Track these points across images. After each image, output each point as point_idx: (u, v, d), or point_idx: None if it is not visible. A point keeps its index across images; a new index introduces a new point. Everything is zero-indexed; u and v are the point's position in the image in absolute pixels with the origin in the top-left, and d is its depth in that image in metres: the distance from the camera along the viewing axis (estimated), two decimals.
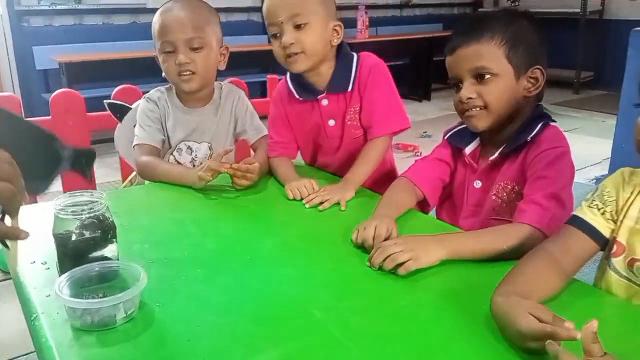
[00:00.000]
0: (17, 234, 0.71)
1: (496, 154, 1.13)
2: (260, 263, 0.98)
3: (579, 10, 6.10)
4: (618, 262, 0.89)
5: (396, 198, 1.17)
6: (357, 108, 1.41)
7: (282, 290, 0.88)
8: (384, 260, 0.91)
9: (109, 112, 2.15)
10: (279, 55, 1.35)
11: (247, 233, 1.12)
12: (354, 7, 6.15)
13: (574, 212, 0.92)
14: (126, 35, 5.01)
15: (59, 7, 4.72)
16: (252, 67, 5.44)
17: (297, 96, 1.43)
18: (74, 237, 0.86)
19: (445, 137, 1.25)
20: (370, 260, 0.94)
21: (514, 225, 1.00)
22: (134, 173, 1.83)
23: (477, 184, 1.18)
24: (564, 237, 0.89)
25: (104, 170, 3.41)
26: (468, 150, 1.19)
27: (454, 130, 1.25)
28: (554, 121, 1.12)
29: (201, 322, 0.80)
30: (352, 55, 1.42)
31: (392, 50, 5.84)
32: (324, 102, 1.42)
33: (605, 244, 0.90)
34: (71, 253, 0.86)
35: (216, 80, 1.61)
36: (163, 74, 1.52)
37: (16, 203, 0.69)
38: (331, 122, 1.44)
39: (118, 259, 0.90)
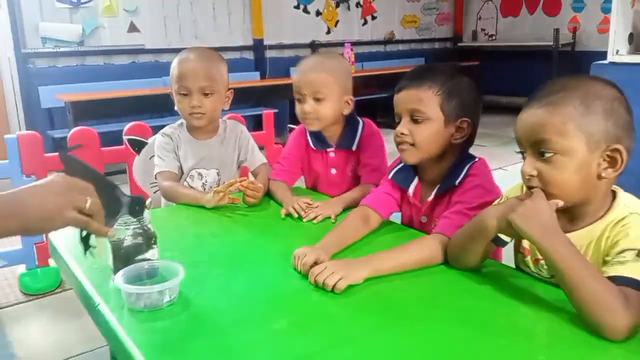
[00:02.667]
0: (105, 232, 0.96)
1: (432, 196, 1.36)
2: (269, 264, 1.24)
3: (551, 43, 6.50)
4: (527, 261, 1.14)
5: (345, 231, 1.32)
6: (355, 164, 1.71)
7: (287, 281, 1.14)
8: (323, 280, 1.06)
9: (120, 146, 2.41)
10: (299, 116, 1.69)
11: (257, 241, 1.39)
12: (341, 44, 6.53)
13: None
14: (126, 74, 5.31)
15: (62, 49, 5.02)
16: (244, 102, 5.74)
17: (311, 145, 1.74)
18: (125, 244, 1.11)
19: (390, 177, 1.43)
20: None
21: (425, 238, 1.23)
22: (149, 199, 2.08)
23: (424, 219, 1.41)
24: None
25: None
26: (411, 191, 1.40)
27: (395, 170, 1.43)
28: (478, 159, 1.33)
29: (226, 303, 1.05)
30: (359, 122, 1.73)
31: (377, 84, 6.18)
32: (332, 154, 1.75)
33: (498, 240, 1.11)
34: (123, 255, 1.11)
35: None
36: (175, 107, 1.79)
37: (94, 229, 0.94)
38: (333, 171, 1.75)
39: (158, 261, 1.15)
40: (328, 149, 1.74)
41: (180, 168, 1.83)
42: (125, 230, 1.11)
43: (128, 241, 1.11)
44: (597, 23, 6.68)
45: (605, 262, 0.99)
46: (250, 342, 0.92)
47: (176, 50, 6.10)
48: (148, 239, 1.13)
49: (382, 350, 0.89)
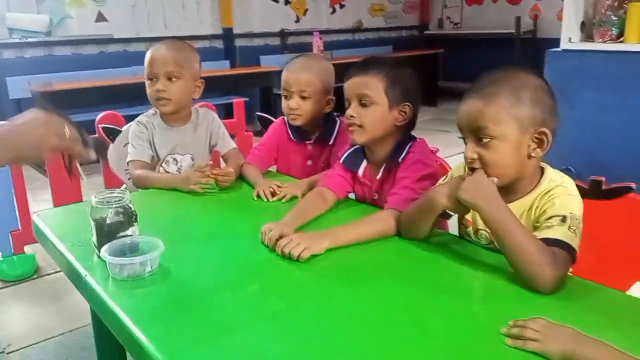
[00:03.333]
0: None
1: (380, 174, 1.51)
2: (240, 239, 1.36)
3: (513, 30, 6.72)
4: (469, 231, 1.29)
5: (305, 208, 1.46)
6: (329, 156, 1.86)
7: (257, 253, 1.26)
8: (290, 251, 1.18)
9: (93, 135, 2.47)
10: (285, 111, 1.83)
11: (228, 220, 1.51)
12: (310, 33, 6.62)
13: None
14: (95, 64, 5.31)
15: (29, 39, 4.99)
16: (214, 91, 5.79)
17: (291, 137, 1.89)
18: (108, 221, 1.21)
19: (341, 161, 1.57)
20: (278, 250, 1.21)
21: (379, 213, 1.37)
22: (123, 186, 2.17)
23: (375, 196, 1.56)
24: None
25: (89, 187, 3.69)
26: (360, 172, 1.55)
27: (346, 154, 1.57)
28: (417, 138, 1.49)
29: (203, 272, 1.17)
30: (336, 120, 1.87)
31: (345, 72, 6.29)
32: (310, 147, 1.89)
33: (444, 213, 1.24)
34: (106, 232, 1.21)
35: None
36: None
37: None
38: (309, 162, 1.90)
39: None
40: (307, 142, 1.89)
41: (157, 155, 1.92)
42: (107, 209, 1.22)
43: (110, 219, 1.22)
44: (557, 11, 6.90)
45: (535, 228, 1.14)
46: (227, 303, 1.04)
47: (145, 40, 6.15)
48: (129, 217, 1.24)
49: (341, 307, 1.03)
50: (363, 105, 1.45)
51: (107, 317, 1.07)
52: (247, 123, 3.42)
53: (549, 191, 1.15)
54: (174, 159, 1.94)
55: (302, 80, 1.77)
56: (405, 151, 1.47)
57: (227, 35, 6.31)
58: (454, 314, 0.99)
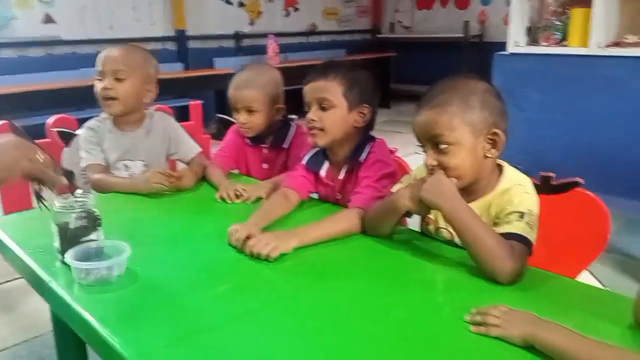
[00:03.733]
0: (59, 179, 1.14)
1: (342, 174, 1.55)
2: (207, 240, 1.36)
3: (462, 34, 6.94)
4: (430, 228, 1.35)
5: (270, 208, 1.47)
6: (285, 160, 1.90)
7: (225, 254, 1.26)
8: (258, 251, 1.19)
9: (45, 139, 2.40)
10: (238, 123, 1.88)
11: (193, 222, 1.51)
12: (264, 36, 6.62)
13: None
14: (42, 67, 5.13)
15: None
16: (168, 93, 5.70)
17: (248, 142, 1.93)
18: (71, 226, 1.19)
19: (303, 162, 1.60)
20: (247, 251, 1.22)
21: (344, 211, 1.40)
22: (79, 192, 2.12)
23: (338, 195, 1.59)
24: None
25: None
26: (323, 173, 1.58)
27: (308, 156, 1.60)
28: (377, 139, 1.53)
29: (171, 275, 1.17)
30: (291, 125, 1.92)
31: (301, 75, 6.31)
32: (265, 150, 1.93)
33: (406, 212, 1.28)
34: (70, 237, 1.19)
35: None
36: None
37: (48, 178, 1.11)
38: (265, 165, 1.93)
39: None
40: (262, 146, 1.93)
41: (106, 160, 1.87)
42: (70, 213, 1.20)
43: (74, 224, 1.20)
44: (502, 16, 7.16)
45: (495, 224, 1.20)
46: (199, 304, 1.05)
47: (94, 42, 5.99)
48: (93, 222, 1.22)
49: (311, 304, 1.05)
50: (323, 108, 1.47)
51: (75, 323, 1.06)
52: (204, 126, 3.39)
53: (507, 190, 1.22)
54: (125, 165, 1.89)
55: (246, 98, 1.83)
56: (366, 151, 1.51)
57: (180, 37, 6.23)
58: (419, 305, 1.03)
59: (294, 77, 1.97)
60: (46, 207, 1.16)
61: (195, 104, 3.15)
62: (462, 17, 7.30)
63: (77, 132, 2.18)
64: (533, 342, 0.86)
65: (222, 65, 6.34)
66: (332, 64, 1.54)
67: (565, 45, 3.66)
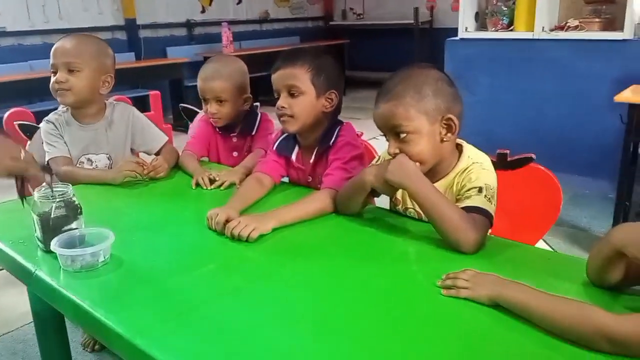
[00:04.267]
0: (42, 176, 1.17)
1: (313, 158, 1.61)
2: (187, 225, 1.40)
3: (412, 21, 7.08)
4: (399, 208, 1.44)
5: (245, 192, 1.53)
6: (252, 145, 1.96)
7: (206, 237, 1.31)
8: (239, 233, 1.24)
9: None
10: (206, 114, 1.94)
11: (171, 208, 1.55)
12: (217, 23, 6.57)
13: None
14: None
15: None
16: (120, 84, 5.57)
17: (218, 131, 1.99)
18: (52, 215, 1.21)
19: (274, 148, 1.66)
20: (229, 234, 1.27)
21: (317, 192, 1.47)
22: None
23: (310, 178, 1.66)
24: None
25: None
26: (294, 157, 1.64)
27: (278, 141, 1.65)
28: (345, 123, 1.60)
29: (155, 258, 1.21)
30: (257, 114, 1.98)
31: (256, 63, 6.30)
32: (234, 139, 1.99)
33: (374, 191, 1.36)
34: (52, 227, 1.21)
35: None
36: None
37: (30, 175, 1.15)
38: (235, 154, 1.99)
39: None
40: (232, 134, 1.99)
41: (69, 154, 1.83)
42: (51, 203, 1.21)
43: (54, 213, 1.21)
44: (450, 2, 7.37)
45: (457, 200, 1.29)
46: (185, 284, 1.09)
47: (41, 33, 5.82)
48: (73, 210, 1.24)
49: (291, 279, 1.12)
50: (292, 95, 1.52)
51: (66, 308, 1.08)
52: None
53: (466, 168, 1.31)
54: (89, 159, 1.86)
55: (215, 89, 1.88)
56: (334, 135, 1.57)
57: (131, 26, 6.10)
58: (394, 275, 1.12)
59: (250, 65, 2.02)
60: (29, 203, 1.17)
61: (154, 94, 3.14)
62: (411, 3, 7.43)
63: (40, 125, 2.15)
64: (498, 300, 0.95)
65: (175, 54, 6.26)
66: (298, 52, 1.59)
67: (512, 30, 3.83)
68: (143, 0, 6.17)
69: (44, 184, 1.24)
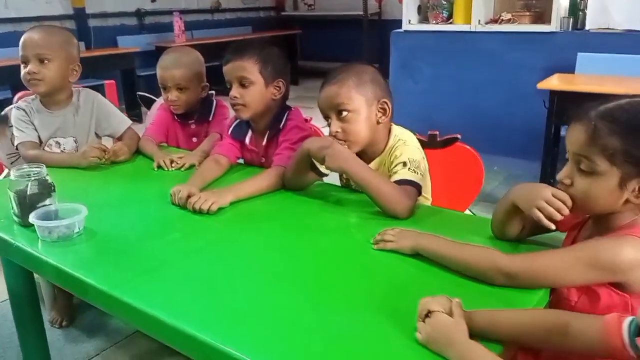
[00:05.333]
0: None
1: (265, 141, 1.76)
2: (151, 202, 1.55)
3: (361, 12, 7.28)
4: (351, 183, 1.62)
5: (204, 171, 1.68)
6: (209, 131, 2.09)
7: (169, 211, 1.46)
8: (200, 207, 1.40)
9: None
10: (166, 102, 2.07)
11: (135, 188, 1.69)
12: (167, 12, 6.58)
13: None
14: None
15: None
16: None
17: (176, 119, 2.12)
18: (29, 192, 1.33)
19: (229, 132, 1.80)
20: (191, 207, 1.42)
21: (269, 170, 1.62)
22: (5, 171, 2.19)
23: (262, 160, 1.82)
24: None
25: None
26: (247, 140, 1.79)
27: (232, 127, 1.80)
28: (293, 108, 1.76)
29: (125, 229, 1.36)
30: (213, 101, 2.12)
31: (208, 52, 6.35)
32: (192, 126, 2.12)
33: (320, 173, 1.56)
34: (28, 203, 1.33)
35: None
36: None
37: None
38: (194, 139, 2.12)
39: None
40: (190, 122, 2.13)
41: (39, 138, 1.96)
42: (27, 181, 1.34)
43: (30, 190, 1.34)
44: None
45: (389, 176, 1.49)
46: (153, 247, 1.25)
47: None
48: (47, 188, 1.37)
49: (247, 241, 1.30)
50: (243, 86, 1.67)
51: (46, 271, 1.22)
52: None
53: (392, 147, 1.51)
54: (57, 142, 1.98)
55: (176, 76, 2.00)
56: (284, 119, 1.74)
57: (80, 15, 6.04)
58: (335, 236, 1.31)
59: (202, 54, 2.16)
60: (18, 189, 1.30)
61: (110, 83, 3.23)
62: None
63: (2, 112, 2.23)
64: (418, 249, 1.15)
65: (126, 44, 6.24)
66: (246, 44, 1.73)
67: (451, 23, 4.09)
68: None
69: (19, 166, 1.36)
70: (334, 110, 1.46)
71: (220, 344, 0.88)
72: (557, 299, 1.06)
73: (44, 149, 1.96)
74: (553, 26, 3.68)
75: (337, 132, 1.46)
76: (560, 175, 1.06)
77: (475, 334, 0.88)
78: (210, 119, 2.11)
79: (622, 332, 0.80)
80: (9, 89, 4.68)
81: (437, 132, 1.80)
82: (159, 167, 1.82)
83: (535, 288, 1.02)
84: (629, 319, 0.81)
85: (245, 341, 0.89)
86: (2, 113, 2.17)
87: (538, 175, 3.30)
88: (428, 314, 0.90)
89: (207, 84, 2.09)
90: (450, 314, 0.90)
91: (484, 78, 3.94)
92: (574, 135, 1.02)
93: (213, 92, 2.20)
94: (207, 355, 0.90)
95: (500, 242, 1.22)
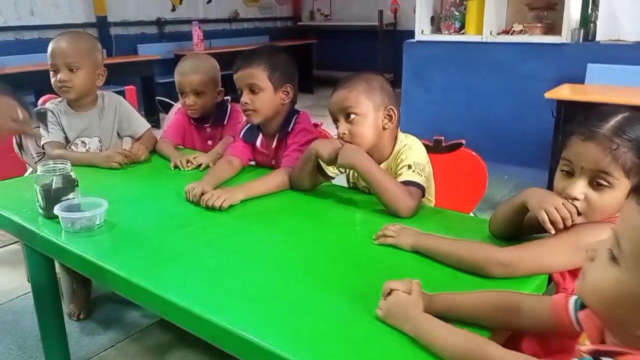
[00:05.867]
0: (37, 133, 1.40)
1: (275, 144, 1.85)
2: (168, 198, 1.63)
3: (377, 23, 7.38)
4: (358, 185, 1.69)
5: (218, 171, 1.76)
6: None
7: (185, 207, 1.54)
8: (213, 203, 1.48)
9: None
10: (183, 106, 2.18)
11: (153, 185, 1.79)
12: (187, 22, 6.73)
13: None
14: None
15: None
16: None
17: (192, 122, 2.21)
18: (54, 186, 1.43)
19: (241, 136, 1.89)
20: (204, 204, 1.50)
21: (277, 170, 1.70)
22: (29, 170, 2.30)
23: (273, 162, 1.90)
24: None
25: None
26: (258, 143, 1.87)
27: (244, 130, 1.89)
28: (301, 111, 1.84)
29: (143, 222, 1.45)
30: (228, 106, 2.21)
31: (225, 61, 6.49)
32: (208, 129, 2.22)
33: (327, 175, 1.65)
34: (53, 197, 1.43)
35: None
36: None
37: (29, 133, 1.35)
38: (209, 142, 2.21)
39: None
40: (205, 125, 2.22)
41: (66, 138, 2.08)
42: (52, 176, 1.43)
43: (55, 185, 1.43)
44: (413, 5, 7.66)
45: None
46: (170, 239, 1.34)
47: (12, 29, 5.93)
48: (71, 183, 1.46)
49: (256, 235, 1.38)
50: (253, 92, 1.76)
51: (68, 259, 1.31)
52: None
53: (398, 152, 1.58)
54: (83, 142, 2.10)
55: (193, 82, 2.10)
56: (292, 123, 1.82)
57: (102, 23, 6.22)
58: (340, 232, 1.38)
59: (220, 63, 2.26)
60: (25, 153, 1.38)
61: (130, 89, 3.34)
62: (376, 6, 7.74)
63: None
64: (416, 247, 1.22)
65: (146, 52, 6.40)
66: (254, 53, 1.82)
67: (463, 33, 4.16)
68: None
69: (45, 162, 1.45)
70: (342, 113, 1.54)
71: (232, 326, 0.95)
72: (555, 289, 1.12)
73: (70, 148, 2.07)
74: (564, 37, 3.73)
75: (344, 133, 1.54)
76: (574, 192, 1.07)
77: (437, 316, 0.93)
78: (225, 122, 2.20)
79: (569, 310, 0.87)
80: (33, 94, 4.85)
81: (443, 138, 1.87)
82: (176, 166, 1.91)
83: (530, 274, 1.08)
84: (574, 297, 0.88)
85: (255, 323, 0.96)
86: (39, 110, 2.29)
87: (546, 184, 3.32)
88: (390, 292, 0.97)
89: (222, 89, 2.19)
90: (410, 293, 0.97)
91: (495, 88, 4.00)
92: (591, 154, 1.04)
93: (229, 97, 2.30)
94: (219, 336, 0.98)
95: (497, 241, 1.28)
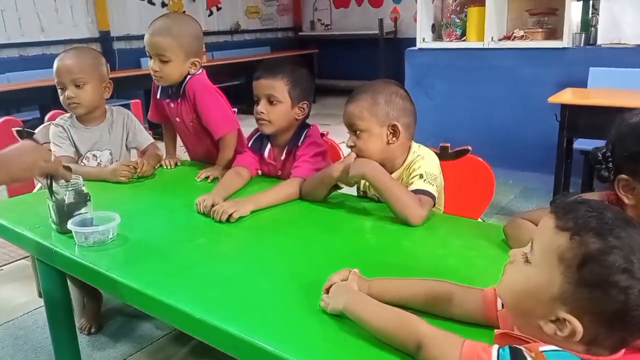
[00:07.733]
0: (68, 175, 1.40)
1: (283, 155, 1.85)
2: (179, 210, 1.64)
3: (377, 32, 7.43)
4: (371, 194, 1.70)
5: (227, 182, 1.77)
6: (193, 115, 2.08)
7: (196, 219, 1.55)
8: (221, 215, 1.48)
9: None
10: (151, 69, 2.03)
11: (163, 198, 1.80)
12: None
13: None
14: None
15: None
16: None
17: (157, 95, 2.15)
18: (67, 201, 1.44)
19: (249, 145, 1.90)
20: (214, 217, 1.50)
21: (287, 181, 1.71)
22: (38, 186, 2.32)
23: (279, 172, 1.91)
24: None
25: None
26: (266, 154, 1.87)
27: (252, 140, 1.89)
28: (311, 125, 1.85)
29: (155, 236, 1.46)
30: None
31: (228, 72, 6.56)
32: (171, 104, 2.12)
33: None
34: (66, 211, 1.44)
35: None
36: None
37: (59, 175, 1.37)
38: (177, 119, 2.15)
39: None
40: (167, 99, 2.12)
41: (77, 152, 2.10)
42: (65, 191, 1.44)
43: (68, 200, 1.45)
44: (413, 13, 7.71)
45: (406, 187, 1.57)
46: (182, 251, 1.35)
47: (17, 45, 5.96)
48: (84, 198, 1.48)
49: (266, 245, 1.39)
50: (270, 102, 1.77)
51: (83, 273, 1.32)
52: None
53: (411, 162, 1.60)
54: (94, 155, 2.12)
55: (159, 45, 1.94)
56: (303, 136, 1.83)
57: (105, 38, 6.28)
58: (352, 240, 1.40)
59: (223, 74, 2.23)
60: (56, 197, 1.42)
61: (135, 102, 3.35)
62: (376, 15, 7.80)
63: (36, 130, 2.37)
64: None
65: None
66: (279, 64, 1.82)
67: (464, 40, 4.18)
68: (116, 12, 6.35)
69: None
70: (350, 128, 1.58)
71: (244, 335, 0.96)
72: None
73: (82, 162, 2.09)
74: (565, 42, 3.75)
75: (352, 145, 1.57)
76: None
77: (375, 298, 0.98)
78: (179, 99, 2.08)
79: (497, 304, 0.91)
80: (37, 109, 4.89)
81: (449, 145, 1.88)
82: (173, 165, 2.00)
83: None
84: None
85: (267, 332, 0.97)
86: (36, 131, 2.31)
87: (552, 189, 3.34)
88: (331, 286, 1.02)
89: (199, 60, 2.04)
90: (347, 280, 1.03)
91: (497, 94, 4.01)
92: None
93: (236, 109, 2.30)
94: (233, 345, 0.99)
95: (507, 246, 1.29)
